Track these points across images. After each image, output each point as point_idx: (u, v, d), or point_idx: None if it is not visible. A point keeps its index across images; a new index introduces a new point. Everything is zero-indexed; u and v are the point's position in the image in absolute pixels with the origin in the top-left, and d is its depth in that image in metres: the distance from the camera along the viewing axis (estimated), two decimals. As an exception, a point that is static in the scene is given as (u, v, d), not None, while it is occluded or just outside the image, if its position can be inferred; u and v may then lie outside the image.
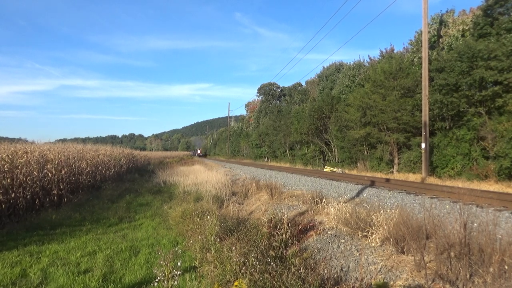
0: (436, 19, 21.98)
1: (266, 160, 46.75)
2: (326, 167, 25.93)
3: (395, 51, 27.95)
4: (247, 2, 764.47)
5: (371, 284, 3.85)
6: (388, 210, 5.47)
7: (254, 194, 11.67)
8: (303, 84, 52.54)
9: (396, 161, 20.79)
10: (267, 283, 3.88)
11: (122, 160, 22.98)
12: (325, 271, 4.63)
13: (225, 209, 9.63)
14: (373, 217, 5.49)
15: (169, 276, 3.44)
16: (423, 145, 16.42)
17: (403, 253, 4.56)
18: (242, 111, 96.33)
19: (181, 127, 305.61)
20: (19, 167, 10.01)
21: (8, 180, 9.35)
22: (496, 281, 3.34)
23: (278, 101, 61.17)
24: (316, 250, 5.55)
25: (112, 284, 4.96)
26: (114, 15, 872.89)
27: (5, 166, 9.45)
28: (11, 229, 8.28)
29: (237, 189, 12.98)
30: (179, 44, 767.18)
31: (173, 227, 8.31)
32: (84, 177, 14.87)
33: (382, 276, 4.18)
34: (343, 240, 5.54)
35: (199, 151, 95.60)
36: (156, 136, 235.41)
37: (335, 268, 4.79)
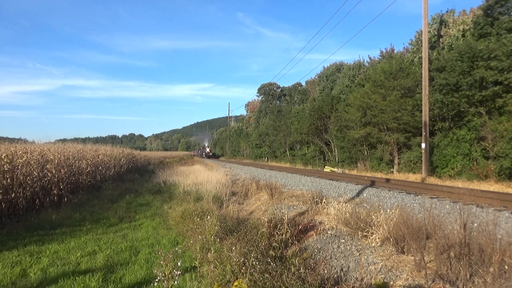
0: (437, 19, 21.99)
1: (266, 160, 46.74)
2: (326, 167, 25.92)
3: (395, 51, 28.01)
4: (250, 2, 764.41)
5: (371, 284, 3.85)
6: (388, 210, 5.47)
7: (254, 194, 11.66)
8: (303, 84, 52.60)
9: (396, 161, 20.79)
10: (267, 283, 3.88)
11: (122, 160, 22.99)
12: (325, 271, 4.63)
13: (225, 209, 9.62)
14: (373, 217, 5.49)
15: (169, 276, 3.43)
16: (423, 145, 16.42)
17: (403, 253, 4.55)
18: (242, 111, 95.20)
19: (181, 127, 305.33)
20: (19, 167, 10.01)
21: (8, 180, 9.34)
22: (496, 281, 3.33)
23: (278, 101, 61.20)
24: (316, 250, 5.55)
25: (112, 284, 4.95)
26: (116, 15, 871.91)
27: (5, 166, 9.44)
28: (11, 229, 8.27)
29: (237, 189, 12.98)
30: (181, 44, 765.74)
31: (173, 227, 8.31)
32: (84, 177, 14.86)
33: (382, 276, 4.18)
34: (343, 240, 5.53)
35: (208, 149, 72.25)
36: (156, 136, 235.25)
37: (335, 268, 4.79)
